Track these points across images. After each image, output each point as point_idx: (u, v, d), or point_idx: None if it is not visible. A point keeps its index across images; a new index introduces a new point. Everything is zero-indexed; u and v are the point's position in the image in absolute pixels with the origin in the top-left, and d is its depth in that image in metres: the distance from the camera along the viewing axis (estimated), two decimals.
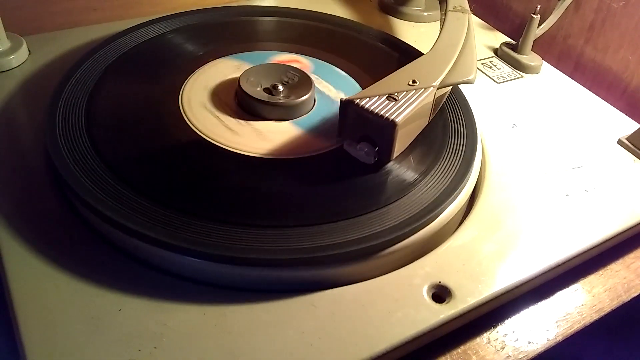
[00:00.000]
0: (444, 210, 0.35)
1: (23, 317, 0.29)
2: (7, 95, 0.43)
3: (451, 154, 0.39)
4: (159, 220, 0.32)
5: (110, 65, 0.44)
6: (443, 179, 0.37)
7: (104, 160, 0.35)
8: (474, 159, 0.39)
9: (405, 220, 0.34)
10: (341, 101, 0.36)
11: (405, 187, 0.36)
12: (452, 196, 0.36)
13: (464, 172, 0.37)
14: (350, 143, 0.37)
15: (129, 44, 0.47)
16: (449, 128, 0.41)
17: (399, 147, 0.37)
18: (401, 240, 0.33)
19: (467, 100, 0.44)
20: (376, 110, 0.35)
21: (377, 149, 0.36)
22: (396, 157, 0.37)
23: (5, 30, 0.46)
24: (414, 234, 0.34)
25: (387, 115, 0.35)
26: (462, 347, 0.33)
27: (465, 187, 0.37)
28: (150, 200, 0.33)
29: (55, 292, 0.30)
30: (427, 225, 0.34)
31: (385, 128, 0.35)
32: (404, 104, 0.36)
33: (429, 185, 0.36)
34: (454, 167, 0.38)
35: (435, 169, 0.38)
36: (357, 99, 0.36)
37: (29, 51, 0.48)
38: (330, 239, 0.32)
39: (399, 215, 0.34)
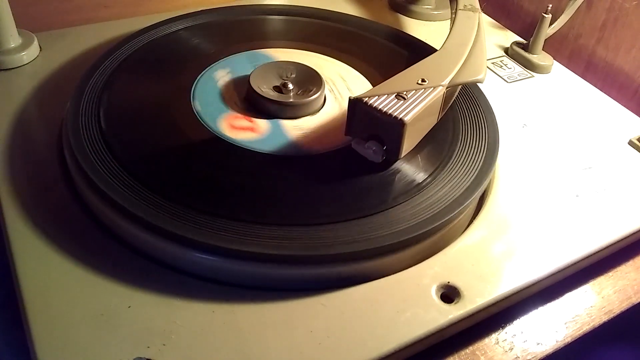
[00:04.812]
0: (459, 216, 0.35)
1: (33, 313, 0.29)
2: (18, 91, 0.44)
3: (461, 153, 0.39)
4: (170, 214, 0.32)
5: (122, 63, 0.44)
6: (455, 180, 0.37)
7: (116, 156, 0.35)
8: (493, 163, 0.38)
9: (419, 223, 0.33)
10: (350, 99, 0.36)
11: (414, 187, 0.36)
12: (467, 202, 0.35)
13: (482, 176, 0.37)
14: (358, 141, 0.37)
15: (141, 41, 0.47)
16: (460, 127, 0.41)
17: (407, 146, 0.36)
18: (414, 244, 0.33)
19: (487, 99, 0.44)
20: (385, 109, 0.35)
21: (385, 147, 0.36)
22: (404, 156, 0.37)
23: (17, 27, 0.47)
24: (428, 238, 0.33)
25: (395, 114, 0.35)
26: (471, 348, 0.33)
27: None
28: (161, 196, 0.33)
29: (65, 289, 0.30)
30: (441, 229, 0.34)
31: (394, 127, 0.35)
32: (413, 102, 0.36)
33: (440, 186, 0.36)
34: (468, 168, 0.38)
35: (446, 168, 0.37)
36: (366, 97, 0.36)
37: (40, 48, 0.48)
38: (339, 239, 0.32)
39: (410, 216, 0.34)
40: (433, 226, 0.33)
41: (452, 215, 0.34)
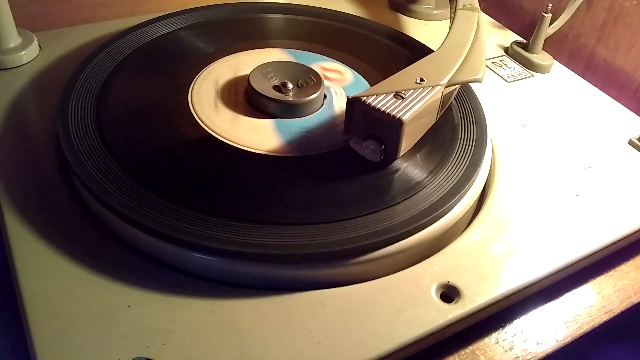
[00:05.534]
0: (451, 209, 0.35)
1: (32, 312, 0.29)
2: (18, 91, 0.44)
3: (460, 153, 0.39)
4: (167, 215, 0.32)
5: (120, 61, 0.44)
6: (451, 178, 0.37)
7: (114, 156, 0.35)
8: (482, 158, 0.38)
9: (412, 217, 0.33)
10: (348, 98, 0.36)
11: (413, 186, 0.36)
12: (459, 195, 0.35)
13: (471, 171, 0.37)
14: (356, 140, 0.37)
15: (140, 40, 0.47)
16: (459, 127, 0.41)
17: (405, 145, 0.36)
18: (408, 237, 0.33)
19: (477, 99, 0.44)
20: (383, 108, 0.35)
21: (383, 146, 0.36)
22: (403, 155, 0.37)
23: (16, 26, 0.47)
24: (421, 230, 0.34)
25: (393, 113, 0.35)
26: (470, 347, 0.33)
27: (473, 186, 0.37)
28: (158, 196, 0.33)
29: (65, 288, 0.30)
30: (434, 222, 0.34)
31: (392, 126, 0.35)
32: (411, 102, 0.36)
33: (436, 185, 0.36)
34: (462, 166, 0.38)
35: (444, 167, 0.37)
36: (364, 96, 0.36)
37: (40, 47, 0.48)
38: (337, 235, 0.32)
39: (407, 213, 0.34)
40: (424, 220, 0.34)
41: (441, 211, 0.34)
